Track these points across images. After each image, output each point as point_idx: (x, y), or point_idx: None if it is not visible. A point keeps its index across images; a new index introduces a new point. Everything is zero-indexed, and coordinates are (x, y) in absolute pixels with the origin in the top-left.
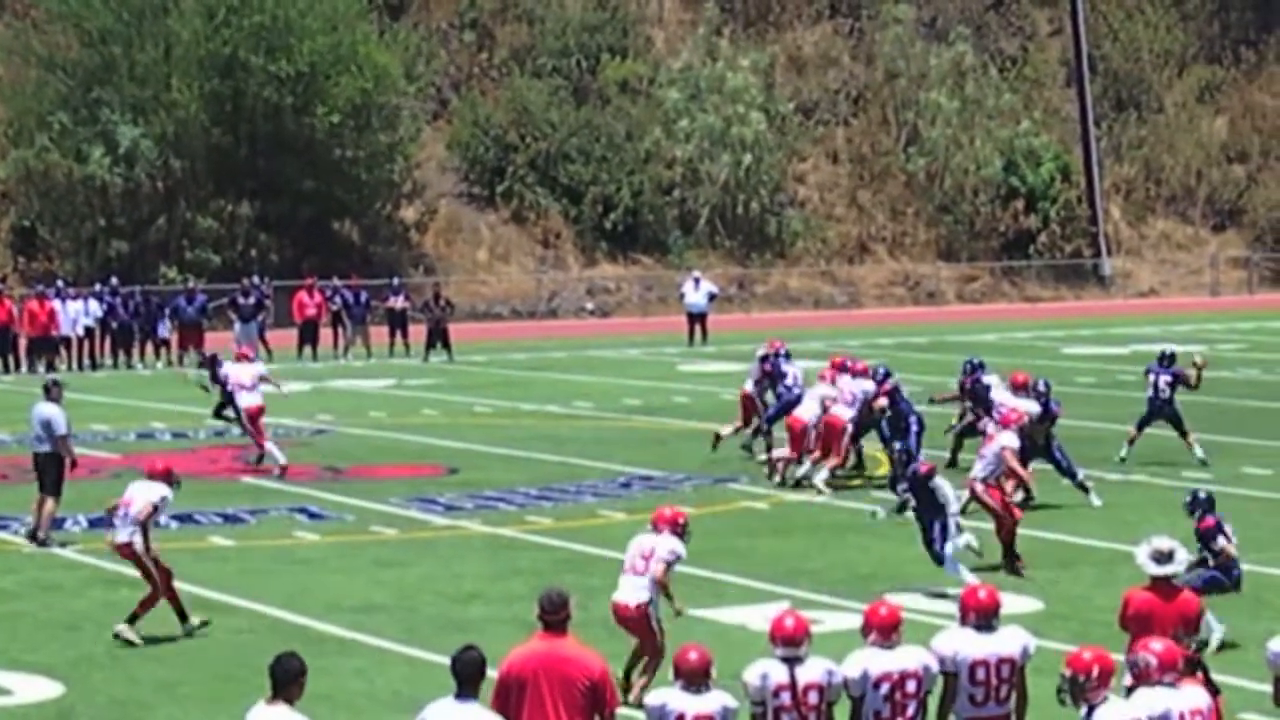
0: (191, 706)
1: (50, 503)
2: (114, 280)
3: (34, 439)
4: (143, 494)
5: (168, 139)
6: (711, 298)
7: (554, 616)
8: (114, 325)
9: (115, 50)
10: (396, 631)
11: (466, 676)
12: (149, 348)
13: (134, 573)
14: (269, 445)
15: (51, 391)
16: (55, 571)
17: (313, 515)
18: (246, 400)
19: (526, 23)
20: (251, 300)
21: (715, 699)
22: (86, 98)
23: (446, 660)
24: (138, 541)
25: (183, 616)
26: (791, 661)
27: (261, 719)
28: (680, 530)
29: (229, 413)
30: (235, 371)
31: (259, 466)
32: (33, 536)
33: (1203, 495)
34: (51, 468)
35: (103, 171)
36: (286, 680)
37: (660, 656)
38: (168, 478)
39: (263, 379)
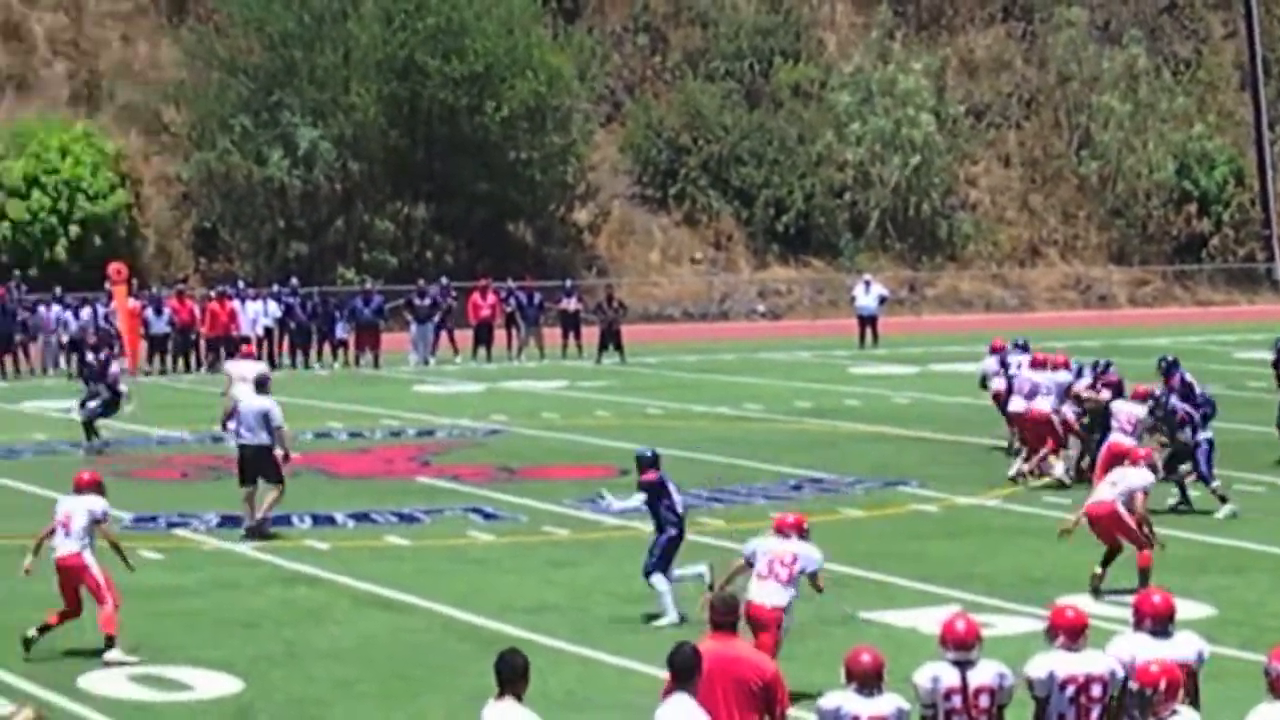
0: (367, 704)
1: (274, 491)
2: (293, 281)
3: (243, 431)
4: (81, 508)
5: (346, 141)
6: (882, 300)
7: (725, 618)
8: (292, 326)
9: (296, 54)
10: (569, 632)
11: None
12: (326, 348)
13: (312, 570)
14: None
15: (263, 385)
16: (234, 569)
17: (487, 515)
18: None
19: (700, 26)
20: (427, 301)
21: (889, 701)
22: (267, 101)
23: (618, 660)
24: (87, 556)
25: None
26: (963, 665)
27: (494, 715)
28: (806, 534)
29: None
30: (236, 368)
31: None
32: (252, 532)
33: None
34: (265, 460)
35: (282, 174)
36: (513, 676)
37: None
38: (98, 488)
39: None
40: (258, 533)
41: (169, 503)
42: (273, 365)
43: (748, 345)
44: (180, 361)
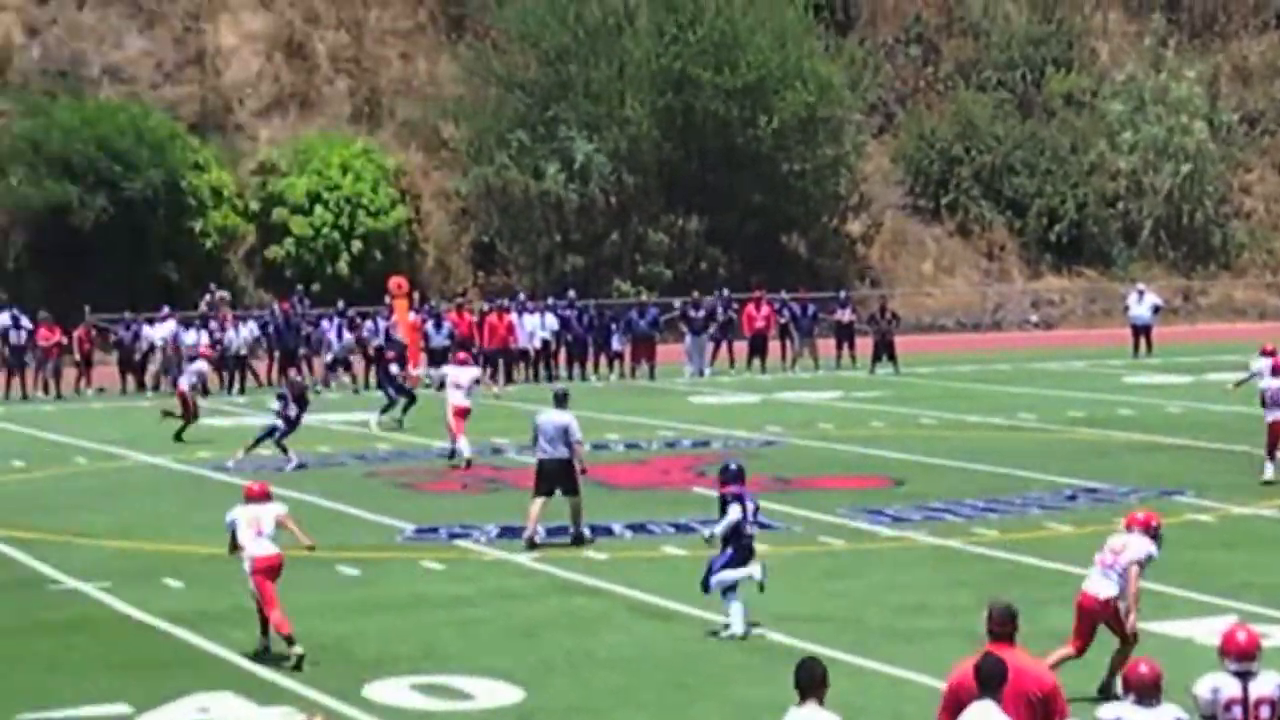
0: (644, 713)
1: (575, 499)
2: (570, 294)
3: (544, 445)
4: (268, 513)
5: (620, 154)
6: (1156, 310)
7: (1003, 629)
8: (569, 338)
9: (571, 69)
10: (844, 642)
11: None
12: (603, 360)
13: (590, 580)
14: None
15: (564, 400)
16: (513, 580)
17: (762, 525)
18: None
19: (972, 36)
20: (702, 313)
21: (1168, 712)
22: (543, 115)
23: (894, 670)
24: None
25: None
26: (1244, 676)
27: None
28: (1154, 533)
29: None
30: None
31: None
32: (533, 544)
33: None
34: (565, 473)
35: (558, 188)
36: (812, 684)
37: (1134, 643)
38: (268, 496)
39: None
40: (578, 539)
41: (449, 514)
42: (550, 378)
43: (1021, 355)
44: None
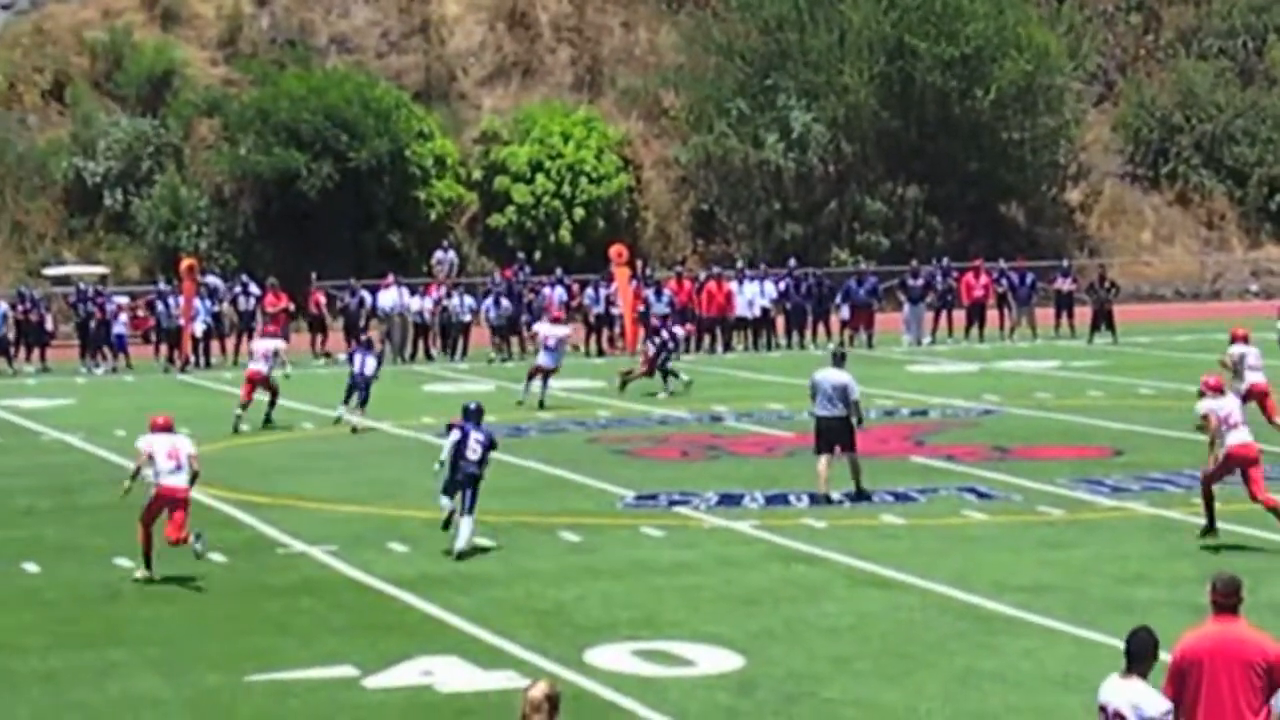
0: (864, 681)
1: (853, 456)
2: (791, 262)
3: (824, 403)
4: (183, 446)
5: (838, 123)
6: None
7: (1227, 600)
8: (788, 306)
9: (790, 37)
10: (1064, 611)
11: (1136, 654)
12: (821, 328)
13: (810, 548)
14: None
15: (841, 360)
16: (734, 546)
17: (981, 495)
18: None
19: (1193, 4)
20: (920, 282)
21: None
22: (763, 84)
23: (1114, 641)
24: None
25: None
26: None
27: (1119, 689)
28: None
29: None
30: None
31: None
32: (829, 499)
33: None
34: (843, 430)
35: (777, 156)
36: (1142, 654)
37: None
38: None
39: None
40: (860, 495)
41: (669, 481)
42: (769, 346)
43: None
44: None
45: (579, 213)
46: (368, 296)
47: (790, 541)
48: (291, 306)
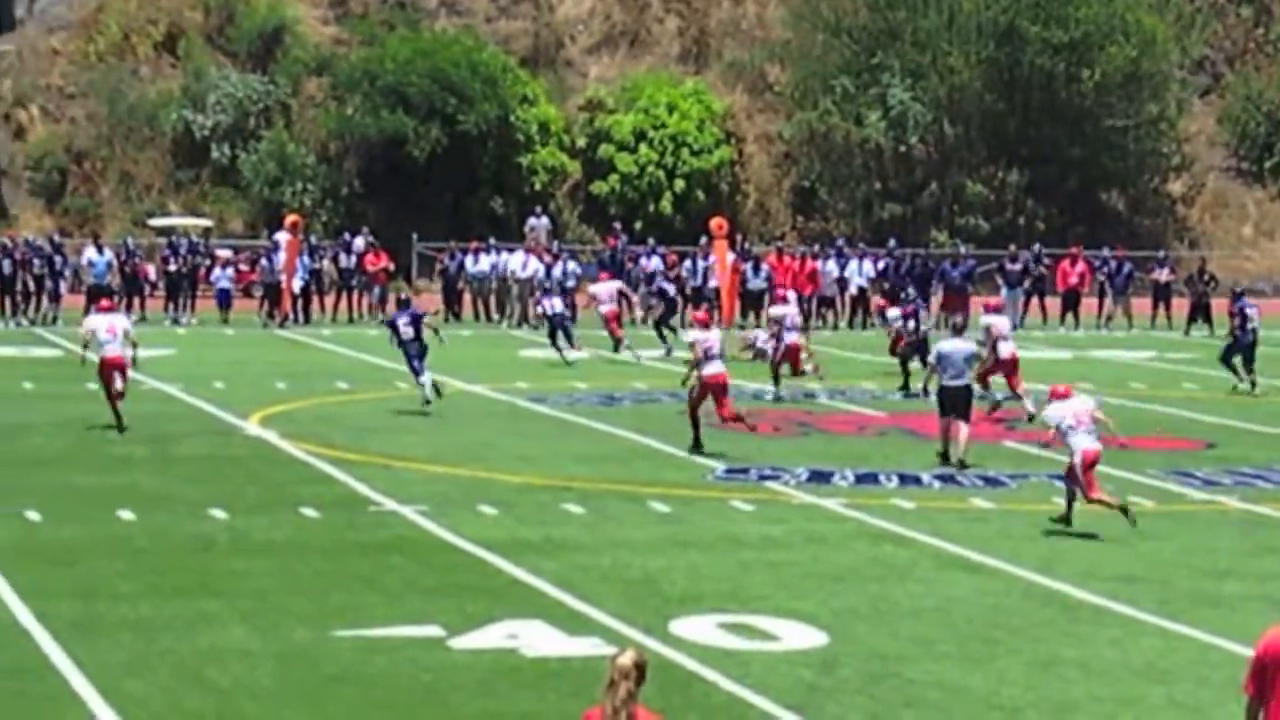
0: (947, 664)
1: (968, 427)
2: (891, 242)
3: (950, 372)
4: (120, 322)
5: (942, 105)
6: None
7: None
8: (885, 286)
9: (899, 16)
10: (1151, 603)
11: None
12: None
13: (898, 529)
14: None
15: (962, 329)
16: (822, 524)
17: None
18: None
19: None
20: (1018, 266)
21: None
22: (868, 62)
23: (1200, 634)
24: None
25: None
26: None
27: None
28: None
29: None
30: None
31: None
32: (946, 459)
33: None
34: (966, 399)
35: (879, 135)
36: None
37: None
38: (116, 309)
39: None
40: (962, 466)
41: (760, 455)
42: (864, 325)
43: None
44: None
45: (680, 184)
46: (469, 260)
47: (879, 521)
48: (391, 266)
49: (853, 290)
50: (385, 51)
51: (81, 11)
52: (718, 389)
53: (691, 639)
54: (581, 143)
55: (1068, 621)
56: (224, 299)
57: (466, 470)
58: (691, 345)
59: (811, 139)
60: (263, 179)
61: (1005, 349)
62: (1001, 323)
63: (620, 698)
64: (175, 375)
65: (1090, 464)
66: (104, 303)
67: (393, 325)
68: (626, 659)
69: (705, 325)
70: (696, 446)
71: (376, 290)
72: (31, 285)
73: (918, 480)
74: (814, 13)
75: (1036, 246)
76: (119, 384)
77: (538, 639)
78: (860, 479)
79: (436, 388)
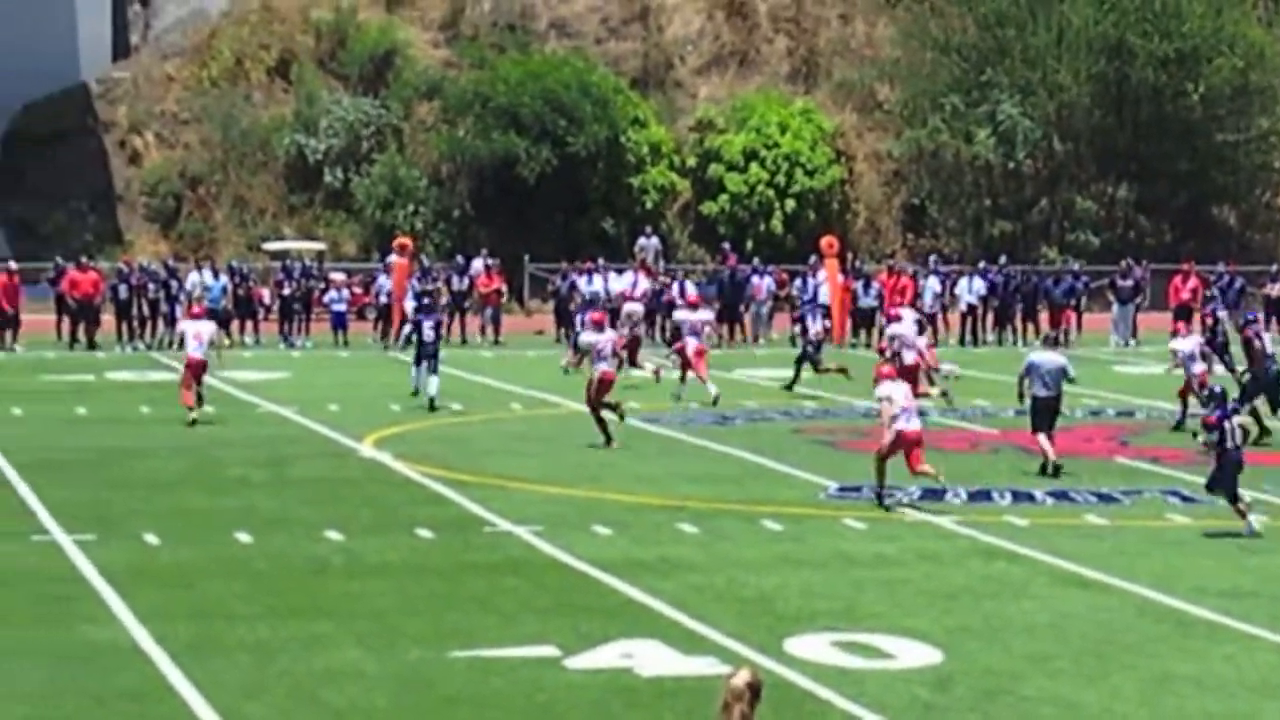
0: (1062, 680)
1: (1054, 435)
2: (1002, 259)
3: (1040, 385)
4: (206, 329)
5: (1051, 121)
6: None
7: None
8: (995, 304)
9: (1008, 33)
10: (1264, 618)
11: None
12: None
13: (1011, 546)
14: None
15: (1054, 342)
16: (935, 541)
17: (1184, 499)
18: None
19: None
20: (1129, 283)
21: None
22: (977, 80)
23: None
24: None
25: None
26: None
27: None
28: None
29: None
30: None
31: None
32: (1044, 469)
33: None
34: (1057, 410)
35: (988, 152)
36: None
37: None
38: (205, 316)
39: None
40: (1057, 471)
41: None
42: (974, 341)
43: None
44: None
45: (790, 203)
46: (580, 281)
47: (992, 538)
48: (504, 287)
49: (962, 307)
50: (496, 74)
51: (195, 38)
52: (606, 387)
53: (806, 657)
54: (691, 162)
55: (1181, 637)
56: (339, 321)
57: (581, 491)
58: (589, 346)
59: (921, 157)
60: (375, 202)
61: (909, 357)
62: (907, 331)
63: (735, 719)
64: (290, 398)
65: (913, 442)
66: (195, 310)
67: (417, 326)
68: (741, 680)
69: (600, 327)
70: (607, 441)
71: (489, 311)
72: (147, 310)
73: (1031, 497)
74: (923, 31)
75: (1144, 262)
76: (196, 387)
77: (653, 659)
78: (973, 496)
79: (433, 401)
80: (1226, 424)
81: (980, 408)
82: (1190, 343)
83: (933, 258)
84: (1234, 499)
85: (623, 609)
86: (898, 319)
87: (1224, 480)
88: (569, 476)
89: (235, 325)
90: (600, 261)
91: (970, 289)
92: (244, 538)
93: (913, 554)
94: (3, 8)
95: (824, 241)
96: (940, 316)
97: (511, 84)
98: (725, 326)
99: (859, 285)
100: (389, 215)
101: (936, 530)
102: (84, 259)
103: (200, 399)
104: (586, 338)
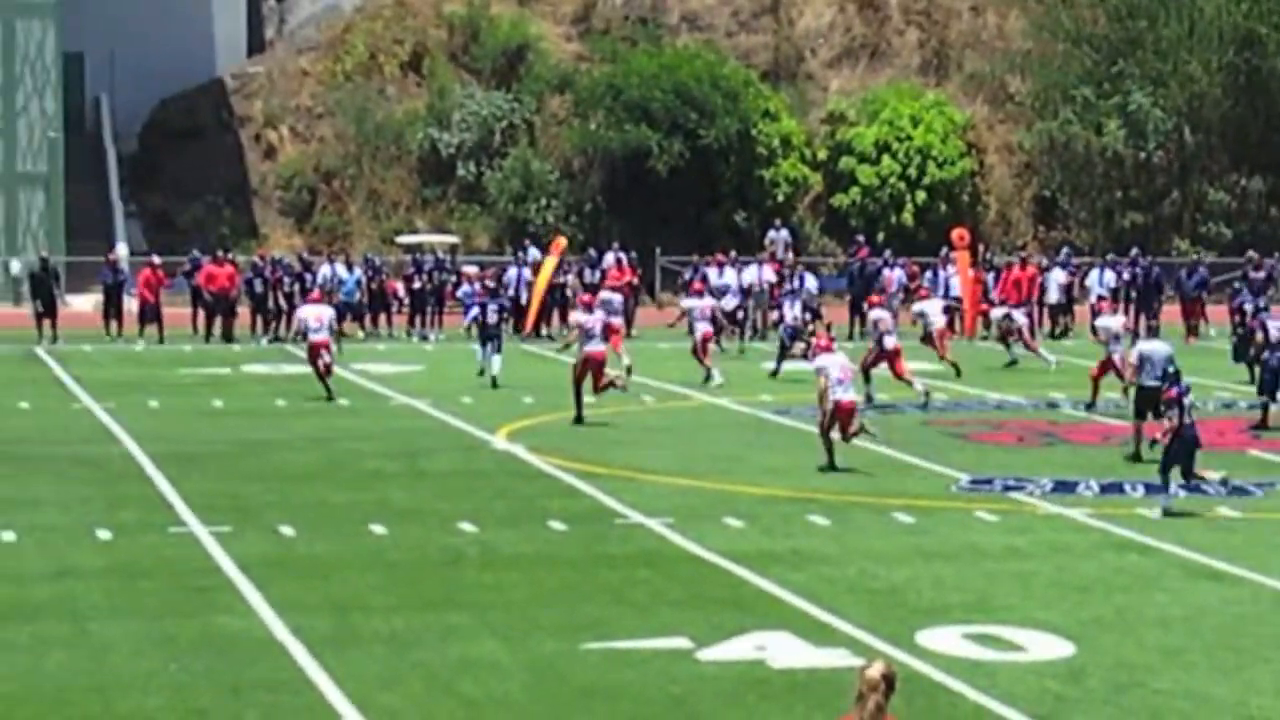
0: (1195, 674)
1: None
2: (1134, 251)
3: (1152, 373)
4: (326, 313)
5: (1182, 112)
6: None
7: None
8: (1132, 295)
9: (1140, 24)
10: None
11: None
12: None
13: (1143, 538)
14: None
15: (1158, 331)
16: (1066, 534)
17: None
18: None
19: None
20: (1262, 274)
21: None
22: (1109, 71)
23: None
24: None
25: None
26: None
27: None
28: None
29: None
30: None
31: None
32: (1136, 457)
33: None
34: (1157, 402)
35: (1118, 144)
36: None
37: None
38: (322, 300)
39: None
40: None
41: (1004, 466)
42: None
43: None
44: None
45: (921, 196)
46: (711, 273)
47: (1124, 531)
48: (636, 280)
49: (1092, 300)
50: (628, 67)
51: (329, 33)
52: (595, 364)
53: (938, 650)
54: (822, 155)
55: None
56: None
57: (712, 483)
58: (577, 325)
59: (1052, 148)
60: (507, 196)
61: (890, 341)
62: (885, 317)
63: (869, 710)
64: (424, 391)
65: (849, 413)
66: (313, 295)
67: (483, 309)
68: (875, 671)
69: (589, 308)
70: (578, 419)
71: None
72: (283, 303)
73: (1164, 490)
74: (1054, 23)
75: (1277, 256)
76: (326, 358)
77: (785, 650)
78: (1105, 489)
79: (495, 380)
80: (1184, 400)
81: (1112, 400)
82: (1116, 321)
83: (1064, 250)
84: (1188, 474)
85: (754, 601)
86: (925, 297)
87: (1179, 456)
88: (700, 468)
89: (368, 319)
90: (733, 254)
91: (1100, 281)
92: (379, 530)
93: (1044, 546)
94: (140, 5)
95: (955, 234)
96: (1069, 309)
97: (643, 77)
98: (856, 318)
99: (990, 278)
100: (521, 209)
101: (1068, 523)
102: (220, 253)
103: (329, 392)
104: (576, 317)
